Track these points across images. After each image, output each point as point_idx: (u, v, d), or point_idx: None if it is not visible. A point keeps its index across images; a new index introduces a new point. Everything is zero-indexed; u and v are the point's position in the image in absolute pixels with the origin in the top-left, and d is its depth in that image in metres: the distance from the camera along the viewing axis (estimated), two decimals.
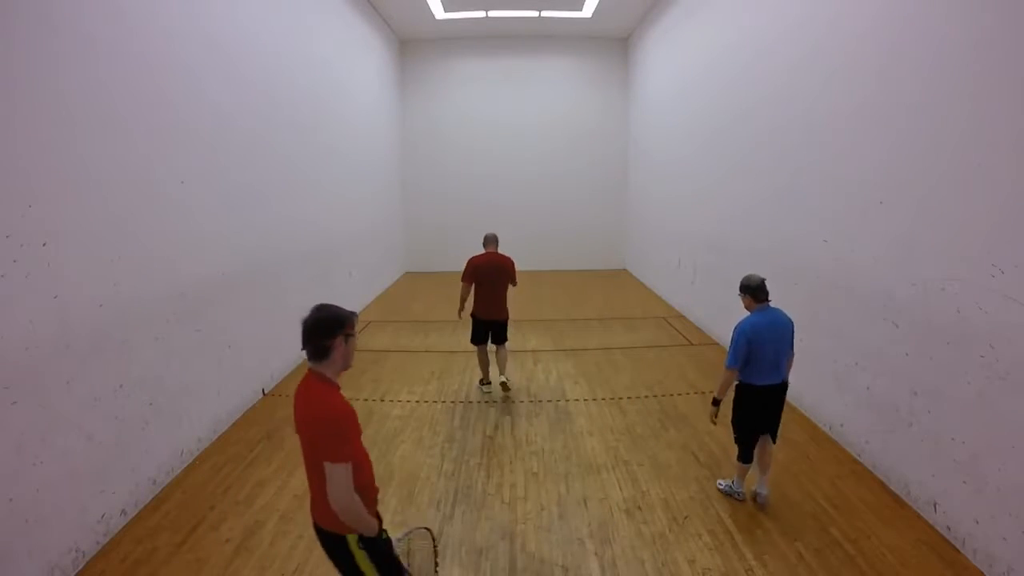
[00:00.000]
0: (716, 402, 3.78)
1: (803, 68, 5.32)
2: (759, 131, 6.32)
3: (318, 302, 2.19)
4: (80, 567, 3.25)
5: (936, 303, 3.60)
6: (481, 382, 6.00)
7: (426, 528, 2.74)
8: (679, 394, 5.82)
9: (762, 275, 3.83)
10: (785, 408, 3.83)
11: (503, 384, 5.72)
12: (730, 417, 3.87)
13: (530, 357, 7.10)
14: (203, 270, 4.76)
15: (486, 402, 5.71)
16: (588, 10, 11.07)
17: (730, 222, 7.27)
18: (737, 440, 3.85)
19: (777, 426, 3.82)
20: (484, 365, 5.95)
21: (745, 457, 3.85)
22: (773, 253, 5.91)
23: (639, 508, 3.84)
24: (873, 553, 3.34)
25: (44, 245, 3.08)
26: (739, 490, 3.93)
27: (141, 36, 3.96)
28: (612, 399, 5.73)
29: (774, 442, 3.87)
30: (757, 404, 3.70)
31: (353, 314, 2.22)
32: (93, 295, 3.47)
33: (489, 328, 5.78)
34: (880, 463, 4.18)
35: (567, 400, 5.73)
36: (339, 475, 2.00)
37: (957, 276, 3.43)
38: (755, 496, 3.87)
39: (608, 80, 13.36)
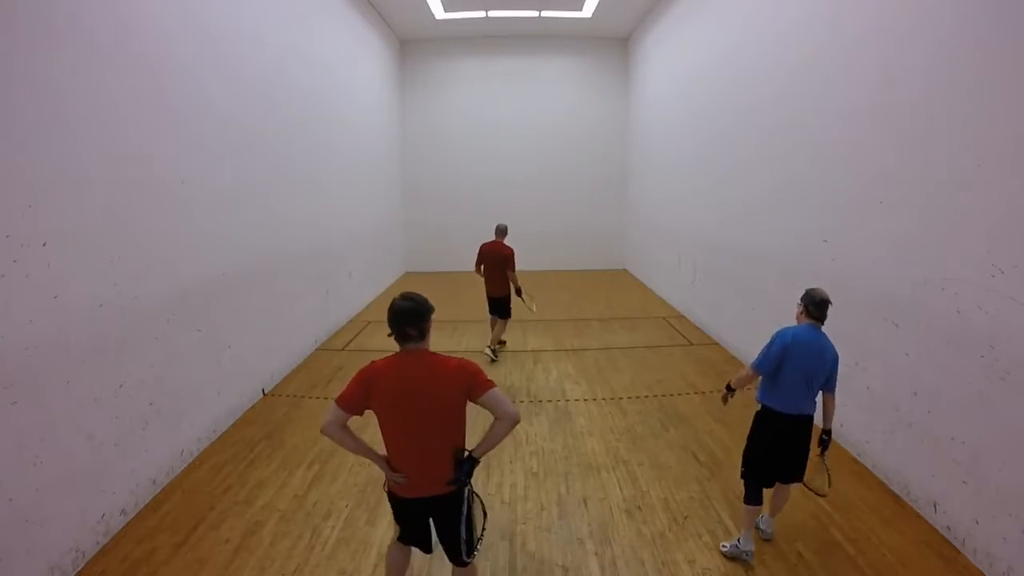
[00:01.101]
0: (730, 388, 3.42)
1: (803, 68, 5.32)
2: (759, 131, 6.32)
3: (405, 290, 2.52)
4: (80, 567, 3.25)
5: (936, 303, 3.60)
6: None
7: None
8: (679, 394, 5.82)
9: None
10: None
11: (487, 351, 6.95)
12: (745, 442, 3.40)
13: (530, 357, 7.10)
14: (203, 270, 4.76)
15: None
16: (588, 10, 11.07)
17: (730, 222, 7.27)
18: (744, 475, 3.33)
19: (799, 470, 3.26)
20: (492, 329, 7.26)
21: (753, 497, 3.26)
22: (773, 253, 5.90)
23: (639, 508, 3.84)
24: (873, 553, 3.35)
25: (44, 245, 3.08)
26: (748, 549, 3.26)
27: (141, 36, 3.96)
28: (612, 399, 5.73)
29: (794, 477, 3.29)
30: (776, 434, 3.19)
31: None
32: (93, 295, 3.47)
33: (490, 302, 7.08)
34: (880, 463, 4.18)
35: (567, 400, 5.73)
36: (501, 393, 2.36)
37: (957, 276, 3.43)
38: (757, 529, 3.48)
39: (608, 80, 13.36)
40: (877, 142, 4.21)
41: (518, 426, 5.09)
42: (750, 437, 3.35)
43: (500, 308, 7.05)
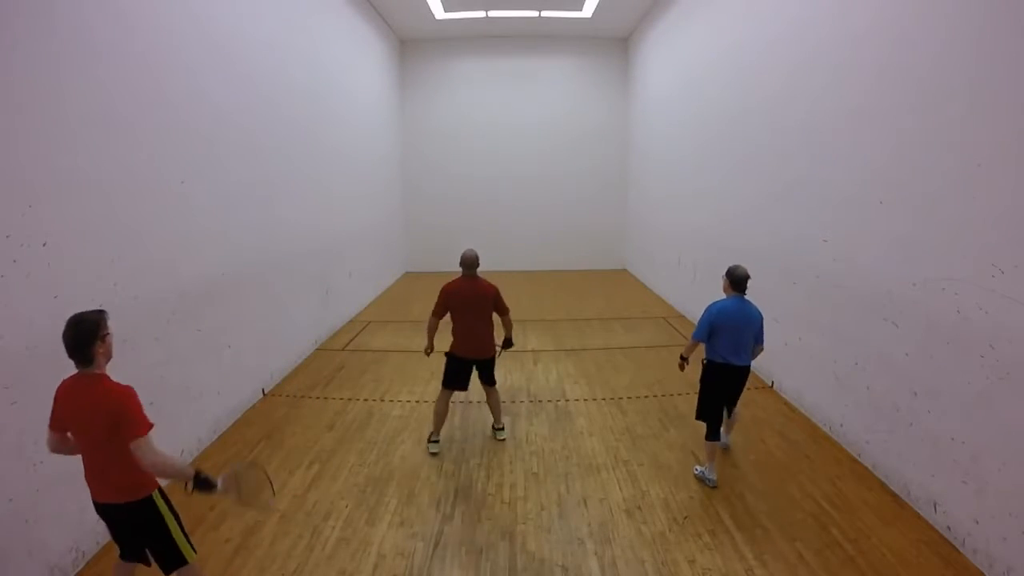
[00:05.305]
0: (683, 358, 4.33)
1: (803, 68, 5.32)
2: (759, 131, 6.32)
3: (74, 313, 2.38)
4: (80, 567, 3.25)
5: (936, 303, 3.60)
6: (430, 438, 4.66)
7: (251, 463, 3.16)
8: (679, 394, 5.82)
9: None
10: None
11: (498, 431, 4.86)
12: (696, 399, 4.29)
13: (530, 357, 7.10)
14: (203, 270, 4.76)
15: (486, 402, 5.69)
16: (588, 10, 11.07)
17: (730, 222, 7.27)
18: (701, 415, 4.21)
19: (735, 402, 4.40)
20: (442, 416, 4.66)
21: (713, 434, 4.12)
22: (773, 253, 5.90)
23: (639, 508, 3.84)
24: (873, 553, 3.34)
25: (44, 245, 3.08)
26: (711, 477, 4.09)
27: (141, 36, 3.96)
28: (612, 399, 5.73)
29: (733, 408, 4.45)
30: (717, 379, 4.15)
31: (102, 313, 2.42)
32: (93, 295, 3.45)
33: (469, 369, 4.65)
34: (880, 463, 4.18)
35: (567, 400, 5.73)
36: (149, 442, 2.32)
37: (957, 276, 3.43)
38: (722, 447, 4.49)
39: (608, 80, 13.35)
40: (877, 142, 4.21)
41: (519, 425, 5.17)
42: (701, 387, 4.26)
43: (488, 373, 4.76)
